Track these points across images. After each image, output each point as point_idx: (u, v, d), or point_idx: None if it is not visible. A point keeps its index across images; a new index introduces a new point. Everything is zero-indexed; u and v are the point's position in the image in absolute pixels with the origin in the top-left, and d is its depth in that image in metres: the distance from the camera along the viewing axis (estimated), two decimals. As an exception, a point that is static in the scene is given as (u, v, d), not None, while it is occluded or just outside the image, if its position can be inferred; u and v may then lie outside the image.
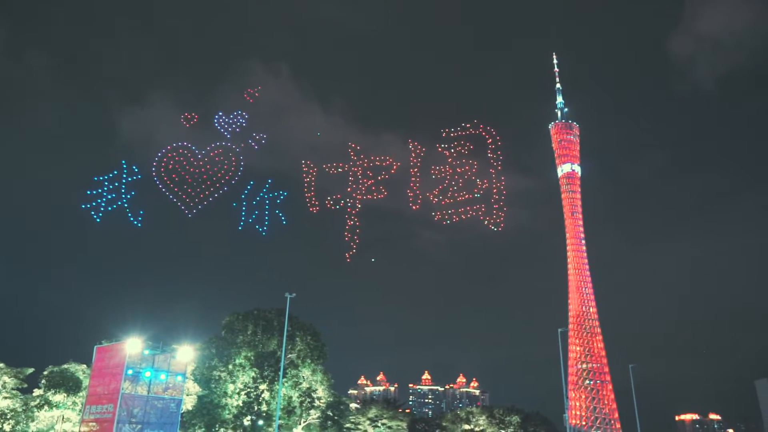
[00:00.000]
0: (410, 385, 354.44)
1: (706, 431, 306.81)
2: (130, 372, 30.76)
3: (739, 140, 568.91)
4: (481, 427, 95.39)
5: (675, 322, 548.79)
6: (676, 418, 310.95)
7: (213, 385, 58.60)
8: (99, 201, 45.91)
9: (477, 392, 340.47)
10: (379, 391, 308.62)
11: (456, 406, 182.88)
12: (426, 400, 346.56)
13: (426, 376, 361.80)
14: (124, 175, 47.54)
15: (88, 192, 47.27)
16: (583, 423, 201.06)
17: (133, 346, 31.10)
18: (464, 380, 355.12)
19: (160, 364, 33.10)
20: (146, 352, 32.16)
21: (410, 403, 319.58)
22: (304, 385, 61.79)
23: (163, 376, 32.75)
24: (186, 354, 35.66)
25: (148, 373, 31.69)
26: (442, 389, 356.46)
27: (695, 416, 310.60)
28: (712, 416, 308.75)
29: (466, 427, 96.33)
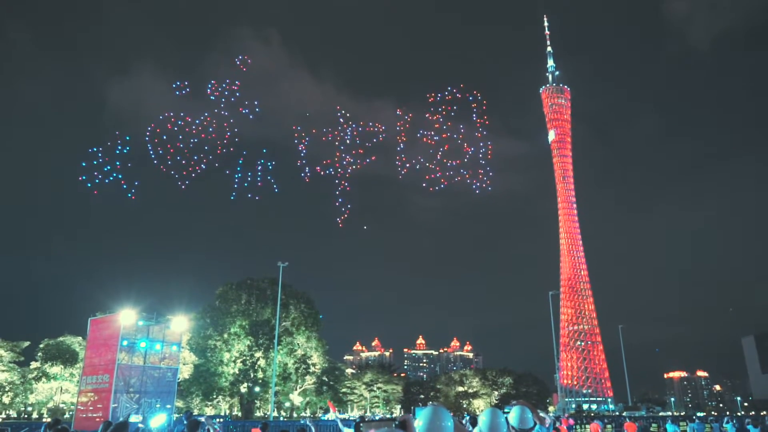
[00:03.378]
0: (405, 350, 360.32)
1: (694, 388, 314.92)
2: (125, 343, 30.89)
3: (730, 103, 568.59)
4: (475, 389, 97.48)
5: (664, 284, 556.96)
6: (665, 375, 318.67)
7: (209, 354, 59.27)
8: (95, 173, 45.23)
9: (470, 355, 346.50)
10: (375, 356, 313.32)
11: (450, 369, 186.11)
12: (421, 364, 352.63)
13: (420, 340, 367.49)
14: (118, 147, 46.77)
15: (83, 164, 46.50)
16: (574, 383, 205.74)
17: (127, 317, 31.17)
18: (458, 344, 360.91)
19: (155, 334, 33.23)
20: (141, 323, 32.24)
21: (405, 367, 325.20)
22: (299, 351, 62.61)
23: (158, 347, 32.94)
24: (181, 324, 35.84)
25: (143, 344, 31.84)
26: (437, 353, 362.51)
27: (683, 374, 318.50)
28: (700, 373, 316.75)
29: (460, 388, 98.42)
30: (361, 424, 2.59)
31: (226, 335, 59.55)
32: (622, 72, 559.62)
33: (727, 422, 30.36)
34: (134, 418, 15.82)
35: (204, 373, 58.10)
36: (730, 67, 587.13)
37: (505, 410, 6.29)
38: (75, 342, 66.91)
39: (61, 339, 67.78)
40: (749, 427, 28.67)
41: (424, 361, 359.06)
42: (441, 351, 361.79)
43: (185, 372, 59.52)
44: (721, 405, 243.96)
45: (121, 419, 8.18)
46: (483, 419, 5.61)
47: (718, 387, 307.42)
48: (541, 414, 8.22)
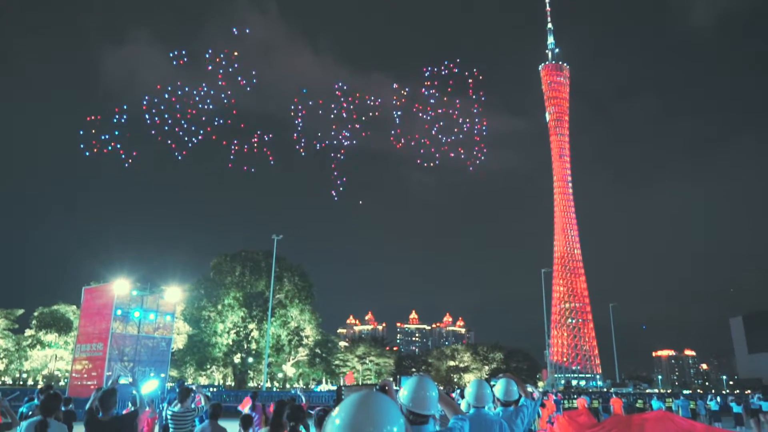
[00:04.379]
0: (398, 324, 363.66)
1: (681, 366, 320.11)
2: (119, 312, 31.05)
3: (731, 84, 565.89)
4: (466, 363, 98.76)
5: (656, 263, 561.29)
6: (653, 354, 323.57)
7: (203, 325, 59.74)
8: (93, 141, 44.89)
9: (463, 331, 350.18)
10: (368, 330, 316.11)
11: (442, 344, 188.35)
12: (413, 339, 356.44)
13: (413, 315, 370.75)
14: (116, 116, 46.32)
15: (81, 132, 46.07)
16: (564, 359, 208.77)
17: (121, 287, 31.28)
18: (450, 319, 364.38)
19: (149, 304, 33.36)
20: (134, 292, 32.36)
21: (398, 341, 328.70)
22: (293, 324, 63.17)
23: (152, 316, 33.12)
24: (174, 295, 36.00)
25: (137, 314, 32.03)
26: (429, 328, 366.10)
27: (671, 352, 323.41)
28: (687, 352, 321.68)
29: (451, 363, 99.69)
30: (343, 388, 2.66)
31: (220, 306, 59.96)
32: (622, 50, 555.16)
33: (711, 400, 30.99)
34: (123, 381, 15.98)
35: (198, 344, 58.66)
36: (733, 47, 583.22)
37: (492, 383, 6.43)
38: (69, 310, 67.22)
39: (55, 307, 68.05)
40: (732, 404, 29.28)
41: (417, 335, 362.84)
42: (433, 326, 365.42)
43: (179, 342, 60.05)
44: (707, 384, 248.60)
45: (110, 382, 8.27)
46: (469, 390, 5.74)
47: (705, 366, 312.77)
48: (529, 389, 8.41)
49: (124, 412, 7.49)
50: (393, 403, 2.04)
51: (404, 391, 3.87)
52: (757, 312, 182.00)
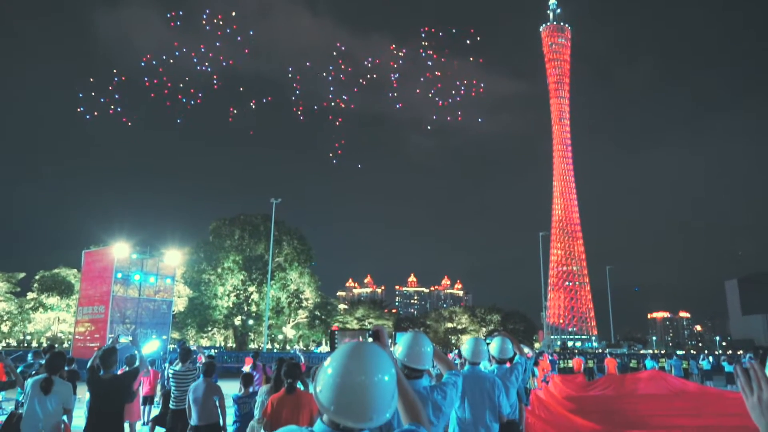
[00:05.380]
0: (397, 287, 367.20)
1: (676, 328, 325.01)
2: (119, 275, 31.29)
3: (732, 49, 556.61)
4: (464, 325, 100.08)
5: (654, 227, 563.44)
6: (648, 316, 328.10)
7: (203, 288, 60.27)
8: (92, 103, 44.51)
9: (461, 293, 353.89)
10: (367, 293, 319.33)
11: (440, 307, 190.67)
12: (412, 301, 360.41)
13: (412, 278, 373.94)
14: (115, 78, 45.83)
15: (80, 95, 45.60)
16: (561, 321, 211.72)
17: (120, 250, 31.45)
18: (449, 282, 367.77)
19: (149, 267, 33.60)
20: (134, 256, 32.56)
21: (396, 304, 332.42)
22: (292, 287, 63.76)
23: (152, 279, 33.38)
24: (174, 258, 36.23)
25: (137, 277, 32.28)
26: (428, 291, 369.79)
27: (666, 314, 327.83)
28: (682, 314, 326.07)
29: (449, 325, 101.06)
30: (336, 333, 2.70)
31: (219, 270, 60.40)
32: (624, 13, 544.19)
33: (703, 359, 31.57)
34: (124, 340, 16.21)
35: (198, 306, 59.32)
36: (733, 9, 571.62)
37: (487, 341, 6.53)
38: (70, 274, 67.65)
39: (56, 271, 68.47)
40: (724, 364, 29.85)
41: (415, 298, 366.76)
42: (432, 289, 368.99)
43: (180, 305, 60.71)
44: (700, 345, 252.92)
45: (110, 342, 8.38)
46: (466, 347, 5.84)
47: (699, 327, 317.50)
48: (525, 350, 8.55)
49: (119, 371, 7.61)
50: (384, 352, 2.07)
51: (400, 347, 3.93)
52: (753, 275, 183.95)
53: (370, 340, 2.19)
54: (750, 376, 1.52)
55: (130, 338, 8.64)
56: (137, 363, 7.88)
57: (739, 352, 63.93)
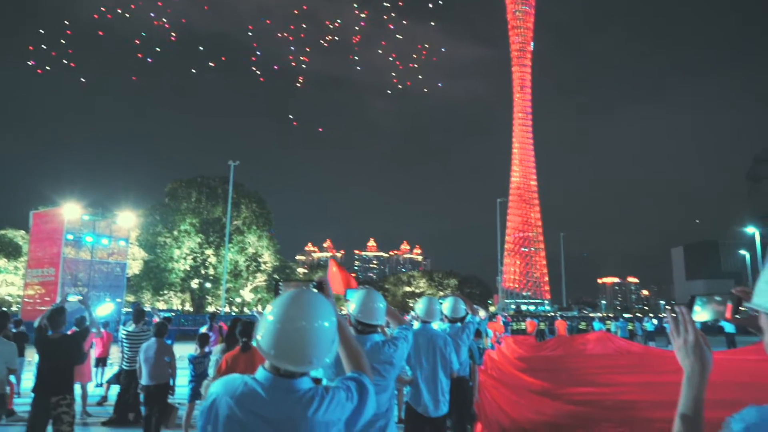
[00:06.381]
0: (356, 252, 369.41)
1: (624, 292, 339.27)
2: (70, 237, 30.35)
3: (700, 20, 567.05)
4: (422, 289, 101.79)
5: (609, 195, 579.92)
6: (598, 281, 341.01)
7: (158, 251, 59.22)
8: (41, 57, 42.08)
9: (420, 258, 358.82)
10: (326, 257, 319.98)
11: (399, 271, 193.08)
12: (371, 266, 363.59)
13: (371, 243, 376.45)
14: (66, 32, 43.37)
15: (30, 48, 43.04)
16: (516, 286, 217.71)
17: (71, 211, 30.41)
18: (408, 247, 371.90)
19: (101, 229, 32.69)
20: (86, 217, 31.58)
21: (356, 268, 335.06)
22: (250, 250, 63.31)
23: (105, 241, 32.53)
24: (128, 220, 35.31)
25: (89, 238, 31.38)
26: (387, 256, 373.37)
27: (616, 280, 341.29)
28: (630, 279, 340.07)
29: (408, 288, 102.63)
30: (281, 283, 2.72)
31: (176, 232, 59.33)
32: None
33: (647, 321, 33.13)
34: (73, 299, 15.83)
35: (154, 269, 58.35)
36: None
37: (441, 301, 6.66)
38: (17, 236, 65.15)
39: (2, 232, 65.87)
40: (666, 325, 31.38)
41: (375, 262, 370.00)
42: (391, 254, 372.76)
43: (135, 268, 59.52)
44: (646, 308, 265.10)
45: (59, 301, 8.19)
46: (419, 306, 5.94)
47: (645, 292, 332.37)
48: (481, 312, 8.76)
49: (70, 332, 7.45)
50: (326, 300, 2.11)
51: (353, 303, 3.97)
52: (698, 243, 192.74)
53: (315, 291, 2.23)
54: (678, 320, 1.62)
55: (80, 298, 8.45)
56: (87, 323, 7.74)
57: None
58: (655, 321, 34.34)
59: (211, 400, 1.99)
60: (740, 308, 1.62)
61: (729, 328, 31.06)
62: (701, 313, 1.66)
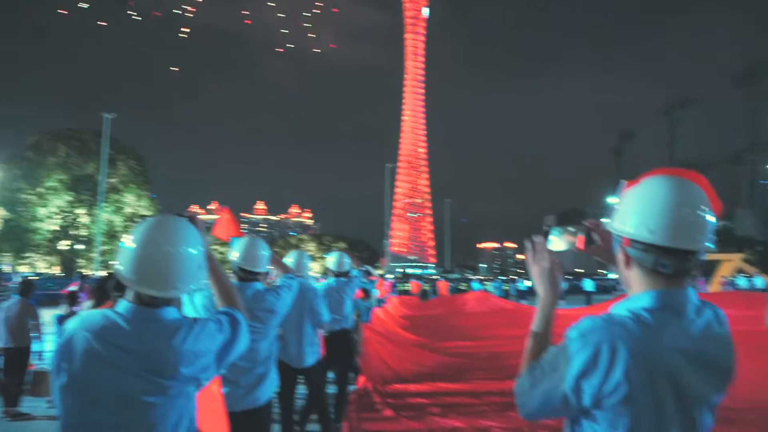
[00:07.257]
0: (243, 214, 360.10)
1: (502, 257, 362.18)
2: None
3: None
4: (311, 252, 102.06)
5: (493, 165, 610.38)
6: (478, 246, 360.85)
7: (20, 209, 53.98)
8: None
9: (310, 222, 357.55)
10: (212, 219, 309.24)
11: (288, 234, 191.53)
12: (259, 228, 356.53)
13: (260, 206, 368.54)
14: None
15: None
16: (403, 249, 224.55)
17: None
18: (298, 210, 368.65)
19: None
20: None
21: (244, 231, 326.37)
22: (128, 210, 59.65)
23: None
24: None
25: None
26: (276, 218, 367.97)
27: (495, 244, 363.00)
28: (508, 244, 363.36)
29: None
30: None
31: (41, 189, 54.25)
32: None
33: (519, 282, 35.82)
34: None
35: (15, 229, 53.17)
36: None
37: (326, 255, 6.72)
38: None
39: None
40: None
41: (263, 225, 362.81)
42: (280, 217, 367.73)
43: (-7, 227, 53.98)
44: (522, 271, 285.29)
45: None
46: (289, 260, 5.94)
47: (521, 256, 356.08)
48: (375, 272, 8.94)
49: None
50: (193, 228, 2.01)
51: (236, 252, 3.89)
52: (570, 210, 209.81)
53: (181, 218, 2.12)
54: (535, 249, 1.77)
55: None
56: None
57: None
58: (527, 282, 37.17)
59: (67, 336, 1.84)
60: (591, 239, 1.80)
61: (588, 286, 34.36)
62: (556, 243, 1.82)
